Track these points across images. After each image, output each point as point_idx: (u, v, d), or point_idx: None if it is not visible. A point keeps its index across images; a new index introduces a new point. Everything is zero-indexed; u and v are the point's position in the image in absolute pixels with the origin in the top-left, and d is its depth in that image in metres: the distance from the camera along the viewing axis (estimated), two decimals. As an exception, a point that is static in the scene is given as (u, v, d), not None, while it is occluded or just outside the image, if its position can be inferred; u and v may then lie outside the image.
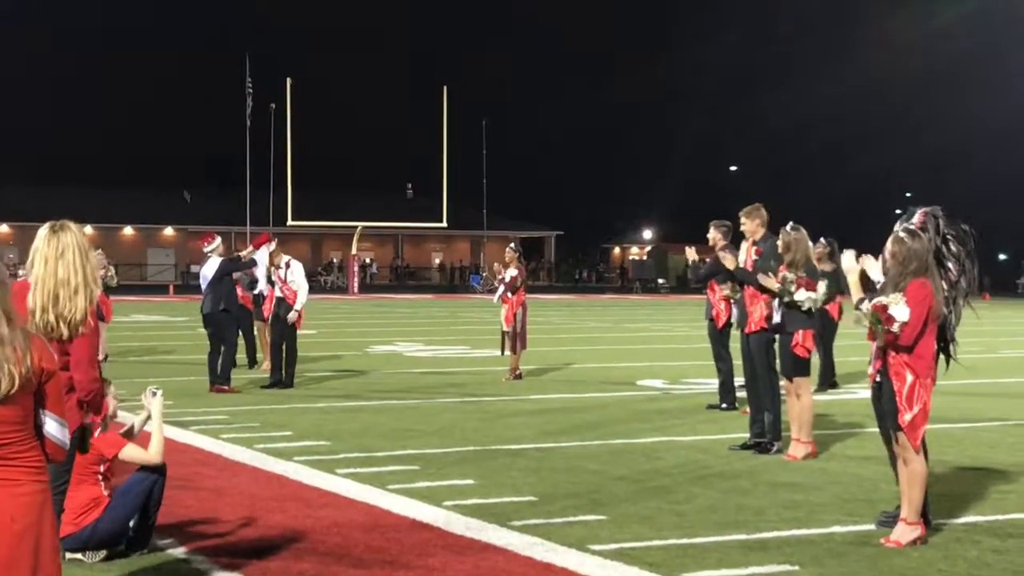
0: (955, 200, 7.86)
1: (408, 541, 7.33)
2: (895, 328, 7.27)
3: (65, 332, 5.49)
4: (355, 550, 7.12)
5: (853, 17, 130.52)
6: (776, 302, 10.52)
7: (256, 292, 18.05)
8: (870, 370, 7.76)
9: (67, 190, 77.58)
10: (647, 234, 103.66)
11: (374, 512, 8.15)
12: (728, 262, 11.34)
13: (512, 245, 18.35)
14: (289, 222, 58.12)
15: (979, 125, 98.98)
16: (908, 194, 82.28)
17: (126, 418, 7.54)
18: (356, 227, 63.50)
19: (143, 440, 7.17)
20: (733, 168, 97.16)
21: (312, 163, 68.14)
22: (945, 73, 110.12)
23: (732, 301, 13.04)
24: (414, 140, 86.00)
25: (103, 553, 6.89)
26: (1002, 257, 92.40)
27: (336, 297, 57.28)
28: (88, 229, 74.92)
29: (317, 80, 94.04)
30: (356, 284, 63.72)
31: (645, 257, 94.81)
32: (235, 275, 16.46)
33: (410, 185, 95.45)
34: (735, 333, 12.53)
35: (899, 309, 7.26)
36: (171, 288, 60.97)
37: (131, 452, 6.96)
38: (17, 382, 4.02)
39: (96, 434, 6.91)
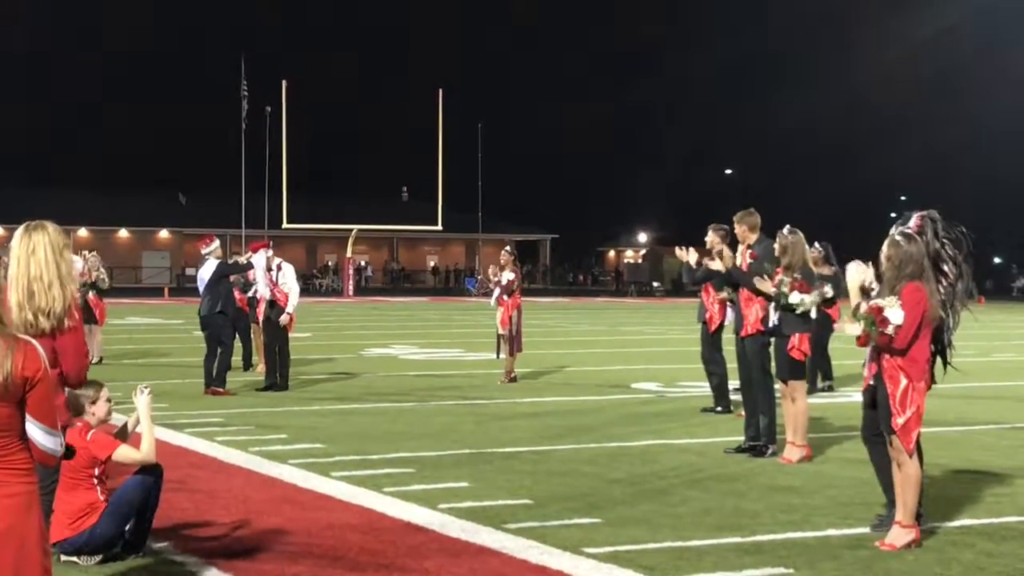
0: (951, 204, 7.88)
1: (403, 544, 7.33)
2: (889, 331, 7.28)
3: (46, 325, 5.48)
4: (350, 552, 7.12)
5: (851, 19, 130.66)
6: (772, 305, 10.53)
7: (250, 295, 18.03)
8: (865, 372, 7.77)
9: (62, 192, 77.42)
10: (642, 237, 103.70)
11: (369, 515, 8.15)
12: (715, 265, 11.35)
13: (508, 248, 18.33)
14: (284, 225, 58.10)
15: (975, 129, 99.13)
16: (903, 198, 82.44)
17: (119, 420, 7.53)
18: (351, 230, 63.47)
19: (136, 441, 7.16)
20: (728, 171, 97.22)
21: (307, 166, 68.26)
22: (942, 77, 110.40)
23: (728, 304, 13.05)
24: (409, 143, 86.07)
25: (99, 556, 6.88)
26: (997, 260, 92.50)
27: (331, 300, 57.24)
28: (83, 231, 74.93)
29: (312, 83, 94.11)
30: (351, 287, 63.71)
31: (640, 260, 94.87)
32: (231, 278, 16.47)
33: (405, 188, 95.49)
34: (728, 336, 12.54)
35: (893, 312, 7.27)
36: (166, 291, 60.94)
37: (124, 453, 6.95)
38: (22, 382, 4.03)
39: (90, 436, 6.91)
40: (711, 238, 12.31)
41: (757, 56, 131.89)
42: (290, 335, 16.46)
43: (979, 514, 8.37)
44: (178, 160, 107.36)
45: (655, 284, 78.82)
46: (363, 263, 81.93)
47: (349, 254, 64.41)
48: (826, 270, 15.02)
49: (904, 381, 7.38)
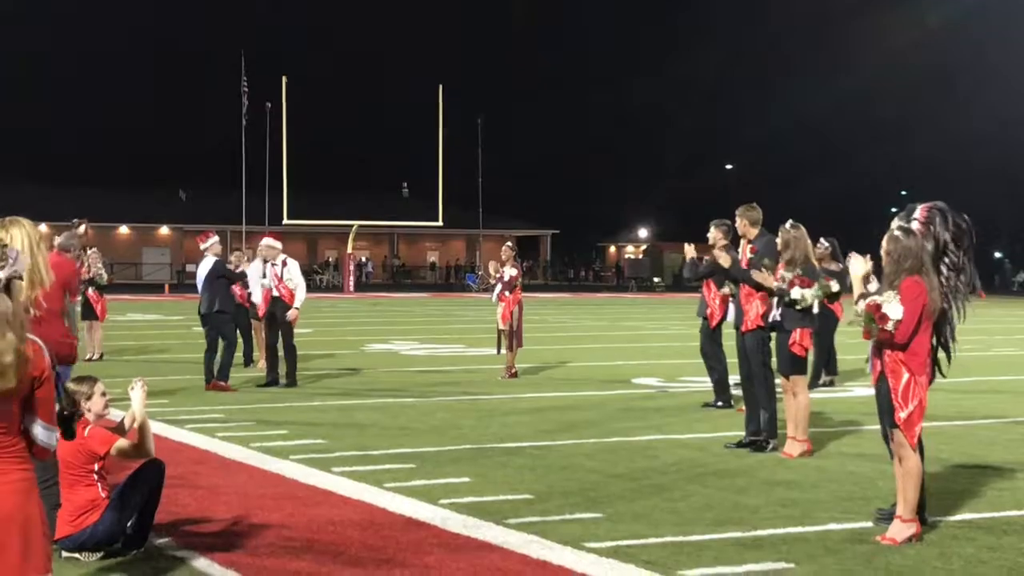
0: (951, 199, 7.85)
1: (404, 539, 7.33)
2: (889, 326, 7.28)
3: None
4: (351, 548, 7.12)
5: (851, 16, 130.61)
6: (775, 300, 10.53)
7: (250, 291, 18.01)
8: (868, 368, 7.77)
9: (62, 189, 77.46)
10: (643, 233, 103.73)
11: (370, 510, 8.15)
12: (723, 260, 11.37)
13: (508, 244, 18.32)
14: (285, 221, 58.13)
15: (975, 124, 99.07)
16: (903, 192, 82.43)
17: (117, 416, 7.53)
18: (352, 226, 63.47)
19: (134, 436, 7.15)
20: (729, 167, 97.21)
21: (308, 162, 68.15)
22: (942, 72, 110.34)
23: (730, 300, 13.05)
24: (409, 139, 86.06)
25: (100, 553, 6.88)
26: (997, 255, 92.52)
27: (332, 296, 57.26)
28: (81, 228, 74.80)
29: (313, 79, 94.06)
30: (352, 283, 63.72)
31: (640, 256, 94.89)
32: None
33: (405, 184, 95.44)
34: (729, 331, 12.54)
35: (893, 307, 7.27)
36: (166, 287, 60.96)
37: (123, 447, 6.95)
38: (33, 379, 4.12)
39: (87, 432, 6.91)
40: (713, 233, 12.30)
41: (758, 52, 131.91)
42: (295, 331, 16.42)
43: (980, 508, 8.38)
44: (178, 156, 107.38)
45: (655, 279, 78.88)
46: (364, 259, 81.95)
47: (350, 250, 64.44)
48: (833, 266, 15.02)
49: (906, 375, 7.38)
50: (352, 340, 25.07)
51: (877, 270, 7.79)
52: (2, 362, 4.04)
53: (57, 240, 12.20)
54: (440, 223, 62.11)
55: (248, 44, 66.31)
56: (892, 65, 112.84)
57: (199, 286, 16.09)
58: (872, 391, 7.79)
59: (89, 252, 19.82)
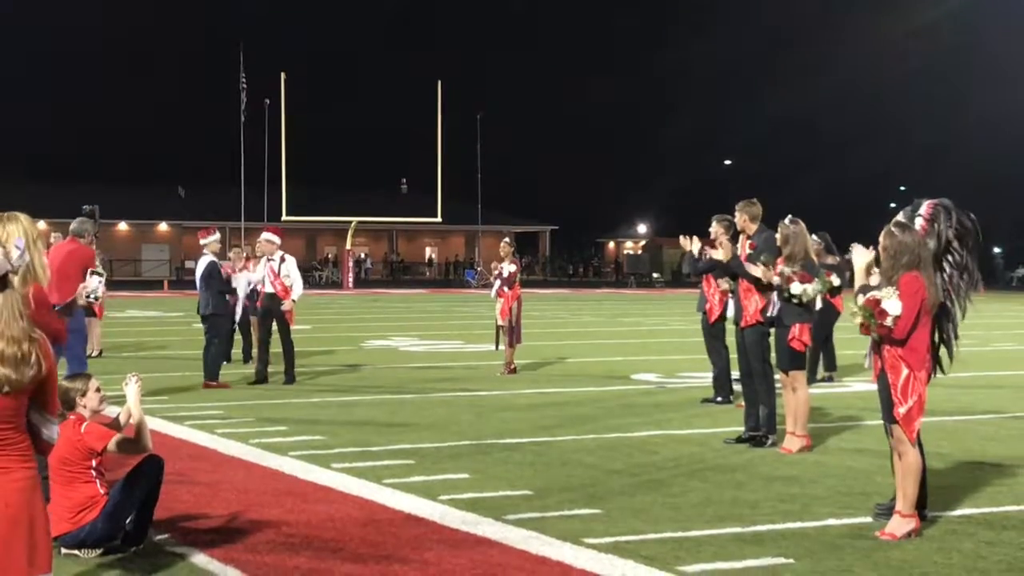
0: (950, 195, 7.85)
1: (403, 535, 7.33)
2: (888, 322, 7.28)
3: None
4: (350, 544, 7.12)
5: (849, 12, 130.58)
6: (775, 295, 10.53)
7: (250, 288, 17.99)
8: (867, 364, 7.77)
9: (61, 186, 77.39)
10: (642, 228, 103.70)
11: (369, 506, 8.16)
12: (717, 254, 11.36)
13: (507, 240, 18.31)
14: (284, 217, 58.11)
15: (974, 120, 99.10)
16: (903, 188, 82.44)
17: (113, 413, 7.53)
18: (351, 222, 63.47)
19: (130, 432, 7.15)
20: (727, 162, 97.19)
21: (306, 158, 68.19)
22: (940, 68, 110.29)
23: (729, 295, 13.06)
24: (409, 135, 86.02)
25: (99, 549, 6.88)
26: (996, 250, 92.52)
27: (331, 292, 57.26)
28: (73, 224, 74.74)
29: (311, 74, 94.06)
30: (351, 279, 63.72)
31: (640, 251, 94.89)
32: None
33: (404, 180, 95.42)
34: (729, 327, 12.54)
35: (891, 303, 7.27)
36: (165, 284, 60.98)
37: (119, 443, 6.94)
38: (43, 372, 4.15)
39: (84, 428, 6.91)
40: (715, 229, 12.29)
41: (757, 48, 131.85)
42: (292, 327, 16.39)
43: (979, 503, 8.38)
44: (177, 153, 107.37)
45: (655, 275, 78.89)
46: (363, 255, 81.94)
47: (349, 246, 64.42)
48: (830, 260, 15.03)
49: (905, 370, 7.38)
50: (351, 336, 25.08)
51: (879, 262, 7.78)
52: (22, 350, 4.09)
53: (71, 226, 12.25)
54: (439, 219, 62.13)
55: (246, 40, 66.24)
56: (891, 61, 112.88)
57: (197, 284, 16.07)
58: (871, 386, 7.80)
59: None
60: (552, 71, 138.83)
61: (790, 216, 10.59)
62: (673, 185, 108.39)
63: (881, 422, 7.83)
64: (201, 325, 16.32)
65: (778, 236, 10.57)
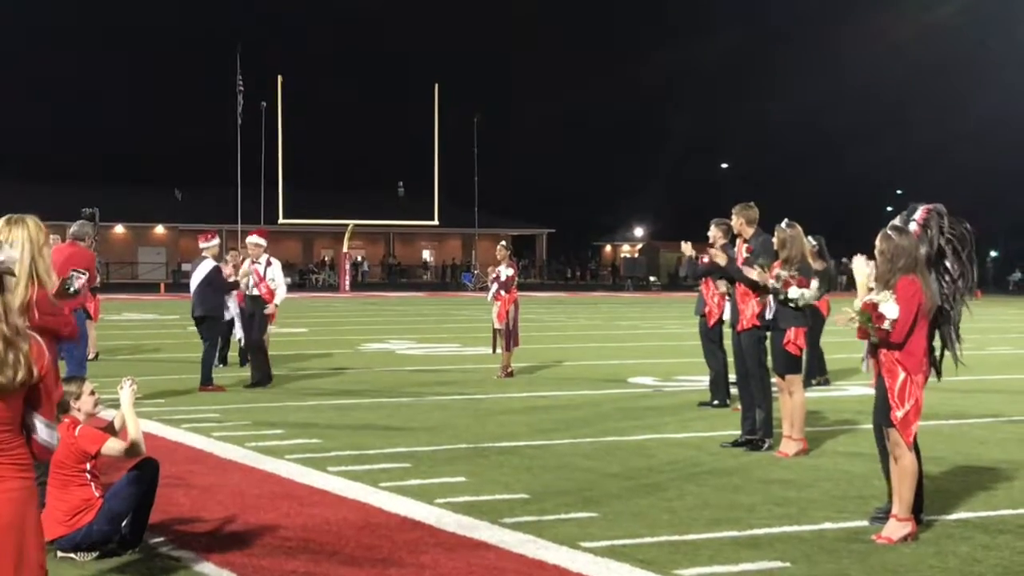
0: (947, 197, 7.87)
1: (400, 539, 7.33)
2: (885, 326, 7.28)
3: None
4: (347, 548, 7.12)
5: (845, 14, 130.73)
6: (771, 299, 10.54)
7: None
8: (863, 368, 7.77)
9: (57, 188, 77.31)
10: (638, 232, 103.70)
11: (366, 510, 8.15)
12: (719, 259, 11.38)
13: (503, 243, 18.32)
14: (280, 220, 58.08)
15: (972, 123, 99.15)
16: (899, 192, 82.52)
17: (110, 415, 7.53)
18: (347, 225, 63.44)
19: (125, 435, 7.15)
20: (724, 165, 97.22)
21: (303, 161, 68.19)
22: (938, 70, 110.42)
23: (726, 299, 13.06)
24: (406, 138, 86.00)
25: (95, 553, 6.87)
26: (993, 254, 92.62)
27: (327, 295, 57.23)
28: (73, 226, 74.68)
29: (308, 78, 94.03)
30: (347, 282, 63.71)
31: (636, 255, 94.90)
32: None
33: (401, 183, 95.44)
34: (727, 330, 12.54)
35: (888, 307, 7.27)
36: (162, 286, 60.94)
37: (113, 446, 6.94)
38: (35, 376, 4.07)
39: (78, 431, 6.91)
40: (713, 232, 12.30)
41: (754, 51, 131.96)
42: (270, 328, 16.44)
43: (975, 507, 8.38)
44: (174, 156, 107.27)
45: (651, 278, 78.90)
46: (359, 258, 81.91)
47: (345, 249, 64.41)
48: (818, 265, 15.02)
49: (902, 374, 7.39)
50: (348, 340, 25.06)
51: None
52: (7, 353, 4.00)
53: (71, 229, 12.16)
54: (436, 222, 62.12)
55: (244, 42, 66.12)
56: (889, 63, 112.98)
57: (192, 287, 15.95)
58: (868, 390, 7.81)
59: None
60: (549, 73, 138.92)
61: (786, 220, 10.61)
62: (670, 189, 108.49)
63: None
64: (195, 328, 16.30)
65: (775, 240, 10.58)
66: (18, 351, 4.05)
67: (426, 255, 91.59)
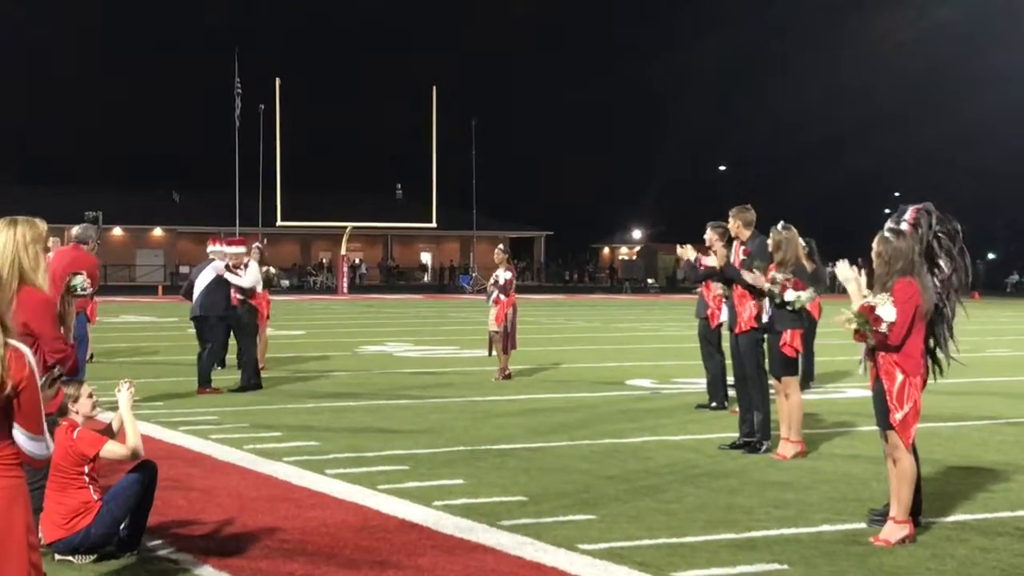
0: (945, 200, 7.88)
1: (398, 541, 7.33)
2: (883, 328, 7.29)
3: None
4: (345, 550, 7.12)
5: (846, 15, 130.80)
6: (767, 301, 10.54)
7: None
8: (860, 370, 7.78)
9: (56, 190, 77.34)
10: (636, 234, 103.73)
11: (364, 512, 8.15)
12: (710, 260, 11.38)
13: (501, 246, 18.34)
14: (278, 223, 58.03)
15: (970, 124, 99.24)
16: (897, 193, 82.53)
17: (106, 419, 7.52)
18: (345, 227, 63.43)
19: (123, 438, 7.15)
20: (722, 168, 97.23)
21: (301, 163, 68.15)
22: (936, 72, 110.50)
23: (724, 301, 13.06)
24: (404, 140, 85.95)
25: (93, 555, 6.87)
26: (991, 256, 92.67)
27: (325, 297, 57.23)
28: (77, 229, 74.68)
29: (307, 80, 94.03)
30: (345, 284, 63.64)
31: (634, 257, 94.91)
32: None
33: (399, 185, 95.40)
34: (724, 333, 12.54)
35: (886, 309, 7.28)
36: (160, 289, 60.83)
37: (111, 448, 6.94)
38: (8, 387, 3.98)
39: (76, 434, 6.91)
40: (710, 235, 12.29)
41: (753, 53, 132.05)
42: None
43: (973, 509, 8.39)
44: (172, 158, 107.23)
45: (649, 281, 78.90)
46: (357, 260, 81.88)
47: (344, 251, 64.36)
48: (808, 266, 15.01)
49: (900, 376, 7.39)
50: (346, 342, 25.05)
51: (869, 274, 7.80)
52: None
53: (73, 232, 12.08)
54: (434, 224, 62.08)
55: (242, 45, 66.09)
56: (887, 64, 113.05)
57: (195, 287, 15.85)
58: (865, 392, 7.81)
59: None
60: (547, 75, 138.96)
61: (782, 222, 10.62)
62: (668, 191, 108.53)
63: (875, 428, 7.84)
64: (193, 330, 16.29)
65: (770, 242, 10.59)
66: None
67: (424, 257, 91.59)
